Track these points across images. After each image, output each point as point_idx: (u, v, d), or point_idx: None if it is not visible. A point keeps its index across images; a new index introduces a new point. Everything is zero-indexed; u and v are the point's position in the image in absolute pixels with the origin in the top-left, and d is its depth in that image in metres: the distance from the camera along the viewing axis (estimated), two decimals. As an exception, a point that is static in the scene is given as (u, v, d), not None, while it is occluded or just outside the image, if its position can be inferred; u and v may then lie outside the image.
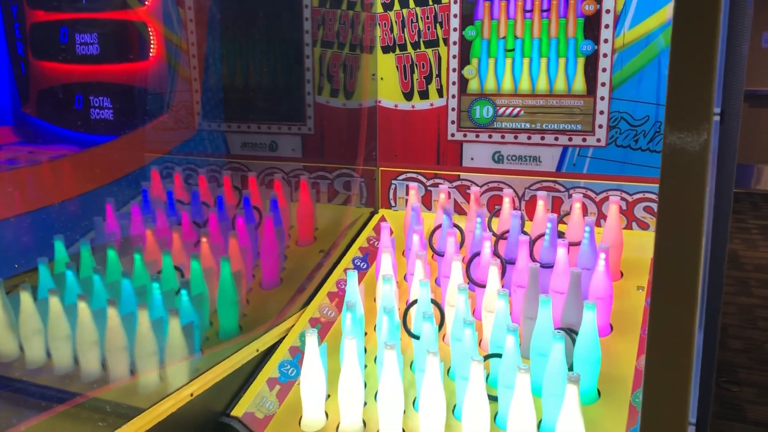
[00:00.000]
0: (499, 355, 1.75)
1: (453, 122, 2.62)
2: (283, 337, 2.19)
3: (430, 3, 2.58)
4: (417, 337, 1.91)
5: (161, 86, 3.05)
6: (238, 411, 1.91)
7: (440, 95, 2.62)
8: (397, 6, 2.63)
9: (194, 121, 3.01)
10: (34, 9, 3.33)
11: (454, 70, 2.58)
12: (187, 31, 2.97)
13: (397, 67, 2.68)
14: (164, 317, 1.97)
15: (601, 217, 2.42)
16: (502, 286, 2.06)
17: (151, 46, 3.02)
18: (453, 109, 2.61)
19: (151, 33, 3.02)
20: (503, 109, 2.51)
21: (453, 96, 2.60)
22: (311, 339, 1.85)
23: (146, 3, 3.00)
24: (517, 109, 2.45)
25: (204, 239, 2.36)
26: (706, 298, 3.11)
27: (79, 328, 2.04)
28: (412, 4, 2.61)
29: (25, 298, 2.12)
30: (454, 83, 2.59)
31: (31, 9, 3.35)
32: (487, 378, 1.88)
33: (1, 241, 2.46)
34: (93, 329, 2.03)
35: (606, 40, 2.33)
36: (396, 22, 2.65)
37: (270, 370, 2.07)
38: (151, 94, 3.07)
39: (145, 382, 1.95)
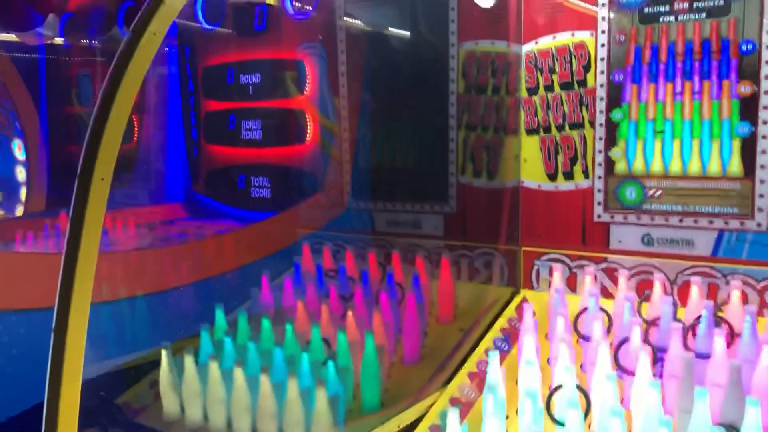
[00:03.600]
0: (652, 449, 1.66)
1: (599, 203, 2.59)
2: (424, 415, 2.20)
3: (576, 87, 2.61)
4: (562, 425, 1.86)
5: (315, 167, 3.28)
6: (378, 486, 1.93)
7: (586, 176, 2.61)
8: (541, 91, 2.69)
9: (344, 199, 3.19)
10: (209, 99, 3.73)
11: (600, 151, 2.57)
12: (341, 117, 3.19)
13: (541, 148, 2.71)
14: (312, 388, 2.05)
15: (764, 306, 2.26)
16: (653, 375, 1.96)
17: (308, 131, 3.27)
18: (599, 191, 2.58)
19: (308, 119, 3.29)
20: (652, 191, 2.45)
21: (599, 177, 2.58)
22: (453, 420, 1.85)
23: (305, 92, 3.28)
24: (660, 191, 2.39)
25: (350, 313, 2.45)
26: None
27: (234, 393, 2.17)
28: (557, 88, 2.66)
29: (188, 361, 2.29)
30: (600, 165, 2.57)
31: (205, 99, 3.76)
32: (637, 473, 1.77)
33: (170, 308, 2.70)
34: (246, 395, 2.15)
35: (765, 122, 2.23)
36: (540, 105, 2.70)
37: (410, 447, 2.08)
38: (306, 174, 3.31)
39: (291, 449, 2.03)
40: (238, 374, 2.16)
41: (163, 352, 2.34)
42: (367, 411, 2.26)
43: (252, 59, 3.51)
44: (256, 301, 2.73)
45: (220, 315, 2.61)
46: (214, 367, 2.24)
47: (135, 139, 3.97)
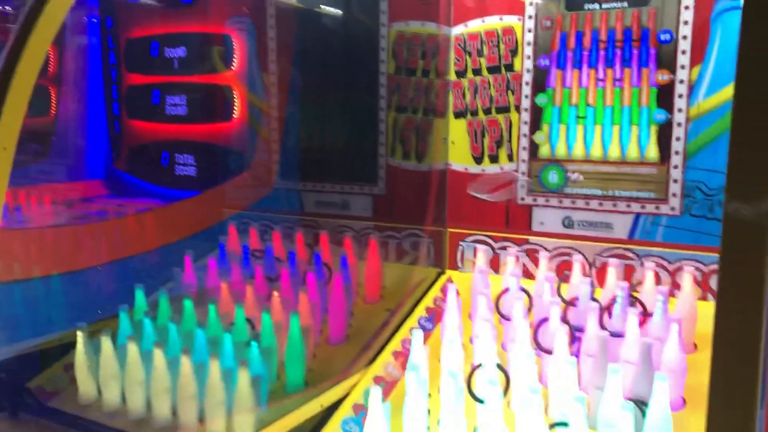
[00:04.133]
0: (566, 424, 1.71)
1: (523, 186, 2.64)
2: (348, 394, 2.20)
3: (503, 71, 2.64)
4: (482, 402, 1.89)
5: (242, 146, 3.21)
6: (300, 466, 1.93)
7: (510, 160, 2.66)
8: (470, 74, 2.71)
9: (272, 179, 3.14)
10: (131, 72, 3.59)
11: (525, 135, 2.62)
12: (270, 94, 3.13)
13: (468, 131, 2.74)
14: (234, 368, 2.02)
15: (675, 287, 2.36)
16: (571, 354, 2.02)
17: (235, 107, 3.20)
18: (523, 174, 2.63)
19: (235, 95, 3.21)
20: (573, 175, 2.52)
21: (523, 161, 2.63)
22: (375, 397, 1.86)
23: (233, 68, 3.20)
24: (578, 174, 2.45)
25: (276, 294, 2.43)
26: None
27: (153, 374, 2.12)
28: (485, 72, 2.68)
29: (106, 343, 2.22)
30: (524, 148, 2.62)
31: (128, 72, 3.62)
32: (552, 447, 1.83)
33: (87, 288, 2.61)
34: (166, 376, 2.11)
35: (680, 110, 2.32)
36: (468, 88, 2.72)
37: (333, 426, 2.08)
38: (232, 152, 3.24)
39: (212, 430, 2.00)
40: (158, 355, 2.11)
41: (79, 334, 2.26)
42: (291, 391, 2.24)
43: (177, 32, 3.39)
44: (179, 281, 2.67)
45: (140, 295, 2.54)
46: (132, 349, 2.18)
47: (52, 112, 3.79)
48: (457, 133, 2.76)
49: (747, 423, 0.81)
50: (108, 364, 2.22)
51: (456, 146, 2.77)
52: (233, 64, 3.22)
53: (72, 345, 2.28)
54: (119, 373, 2.21)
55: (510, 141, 2.65)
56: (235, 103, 3.18)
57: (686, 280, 2.20)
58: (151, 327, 2.34)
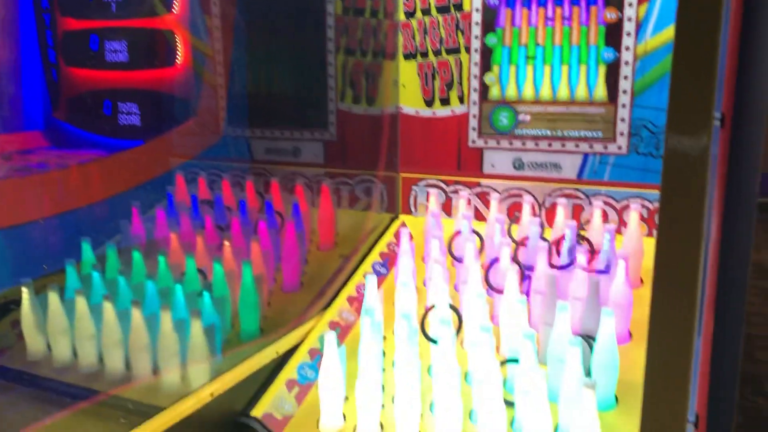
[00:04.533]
0: (516, 361, 1.76)
1: (474, 129, 2.63)
2: (303, 340, 2.22)
3: (452, 11, 2.60)
4: (435, 342, 1.92)
5: (187, 92, 3.11)
6: (257, 411, 1.94)
7: (461, 102, 2.64)
8: (419, 14, 2.66)
9: (219, 126, 3.06)
10: (66, 17, 3.42)
11: (475, 77, 2.59)
12: (214, 38, 3.02)
13: (418, 74, 2.70)
14: (186, 319, 2.00)
15: (622, 224, 2.41)
16: (521, 293, 2.06)
17: (178, 52, 3.08)
18: (474, 116, 2.62)
19: (178, 40, 3.09)
20: (523, 116, 2.52)
21: (474, 103, 2.61)
22: (330, 341, 1.88)
23: (174, 11, 3.07)
24: (525, 115, 2.46)
25: (227, 243, 2.40)
26: (729, 308, 3.08)
27: (104, 328, 2.09)
28: (434, 12, 2.63)
29: (53, 298, 2.17)
30: (475, 90, 2.60)
31: (62, 17, 3.44)
32: (504, 383, 1.88)
33: (30, 242, 2.53)
34: (117, 329, 2.08)
35: (627, 48, 2.33)
36: (418, 29, 2.67)
37: (289, 372, 2.09)
38: (177, 99, 3.14)
39: (166, 381, 1.99)
40: (108, 308, 2.08)
41: (24, 290, 2.21)
42: (246, 339, 2.24)
43: (113, -27, 3.22)
44: (126, 234, 2.61)
45: (86, 249, 2.48)
46: (81, 303, 2.14)
47: (-17, 61, 3.59)
48: (407, 75, 2.72)
49: (684, 351, 0.84)
50: (56, 319, 2.17)
51: (407, 89, 2.74)
52: (174, 6, 3.08)
53: (17, 302, 2.22)
54: (68, 327, 2.17)
55: (461, 83, 2.62)
56: (178, 48, 3.06)
57: (632, 217, 2.25)
58: (100, 280, 2.30)
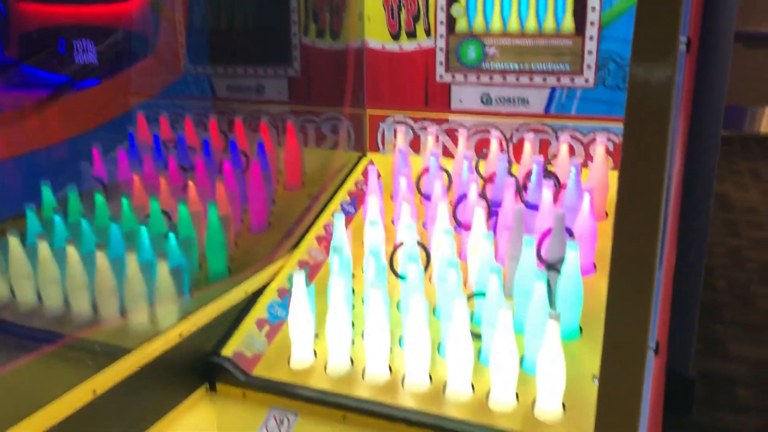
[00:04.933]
0: (483, 295, 1.78)
1: (441, 63, 2.59)
2: (272, 279, 2.21)
3: (418, -60, 2.51)
4: (403, 278, 1.94)
5: (145, 29, 2.99)
6: (227, 350, 1.95)
7: (428, 35, 2.58)
8: (383, -57, 2.57)
9: (179, 64, 2.97)
10: (12, -51, 3.24)
11: (442, 9, 2.53)
12: (170, -30, 2.90)
13: (384, 6, 2.63)
14: (153, 261, 1.98)
15: (589, 158, 2.42)
16: (489, 228, 2.07)
17: (134, -14, 2.95)
18: (441, 50, 2.57)
19: (132, -27, 2.95)
20: (491, 49, 2.48)
21: (441, 36, 2.56)
22: (299, 279, 1.88)
23: (127, -58, 2.92)
24: (493, 48, 2.42)
25: (191, 184, 2.36)
26: (691, 239, 3.16)
27: (68, 271, 2.05)
28: (398, -60, 2.55)
29: (14, 243, 2.12)
30: (442, 23, 2.54)
31: (9, -51, 3.26)
32: (471, 317, 1.91)
33: (-13, 186, 2.46)
34: (82, 273, 2.05)
35: (596, -22, 2.28)
36: (383, -41, 2.59)
37: (259, 311, 2.10)
38: (135, 36, 3.02)
39: (134, 323, 1.98)
40: (72, 252, 2.04)
41: (-17, 235, 2.16)
42: (214, 280, 2.23)
43: None
44: (87, 176, 2.54)
45: (46, 192, 2.42)
46: (44, 247, 2.09)
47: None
48: (372, 7, 2.64)
49: (646, 281, 0.85)
50: (18, 264, 2.13)
51: (372, 22, 2.66)
52: (127, -63, 2.93)
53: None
54: (32, 272, 2.14)
55: (427, 15, 2.56)
56: (133, -19, 2.93)
57: (598, 151, 2.25)
58: (62, 224, 2.25)
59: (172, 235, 2.09)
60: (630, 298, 0.86)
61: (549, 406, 1.62)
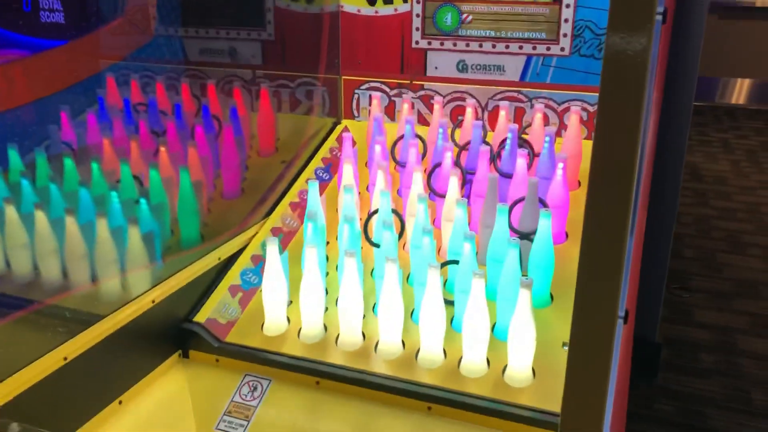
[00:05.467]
0: (456, 262, 1.79)
1: (417, 29, 2.56)
2: (246, 246, 2.20)
3: None
4: (377, 246, 1.94)
5: (114, -12, 2.91)
6: (200, 317, 1.94)
7: (404, 0, 2.55)
8: None
9: (150, 25, 2.89)
10: None
11: (418, -26, 2.50)
12: (139, -73, 2.81)
13: (360, -31, 2.58)
14: (124, 226, 1.96)
15: (563, 127, 2.43)
16: (463, 196, 2.08)
17: (101, -57, 2.85)
18: (417, 15, 2.54)
19: (100, -71, 2.85)
20: (467, 15, 2.46)
21: (417, 1, 2.53)
22: (272, 246, 1.87)
23: None
24: (470, 16, 2.40)
25: (163, 148, 2.32)
26: (662, 208, 3.21)
27: (37, 236, 2.02)
28: None
29: (-20, 207, 2.08)
30: (418, -12, 2.51)
31: None
32: (444, 284, 1.92)
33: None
34: (52, 238, 2.01)
35: (573, -55, 2.27)
36: None
37: (232, 277, 2.09)
38: (103, -5, 2.93)
39: (105, 289, 1.96)
40: (40, 216, 2.00)
41: (-52, 199, 2.10)
42: (187, 246, 2.22)
43: None
44: (56, 139, 2.48)
45: (13, 155, 2.35)
46: (11, 212, 2.05)
47: None
48: (348, -29, 2.60)
49: (617, 250, 0.86)
50: (-16, 229, 2.09)
51: (347, -14, 2.62)
52: None
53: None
54: (-1, 237, 2.10)
55: (403, -20, 2.52)
56: (101, -62, 2.84)
57: (572, 120, 2.26)
58: (30, 188, 2.20)
59: (143, 201, 2.07)
60: (601, 268, 0.87)
61: (519, 371, 1.65)
